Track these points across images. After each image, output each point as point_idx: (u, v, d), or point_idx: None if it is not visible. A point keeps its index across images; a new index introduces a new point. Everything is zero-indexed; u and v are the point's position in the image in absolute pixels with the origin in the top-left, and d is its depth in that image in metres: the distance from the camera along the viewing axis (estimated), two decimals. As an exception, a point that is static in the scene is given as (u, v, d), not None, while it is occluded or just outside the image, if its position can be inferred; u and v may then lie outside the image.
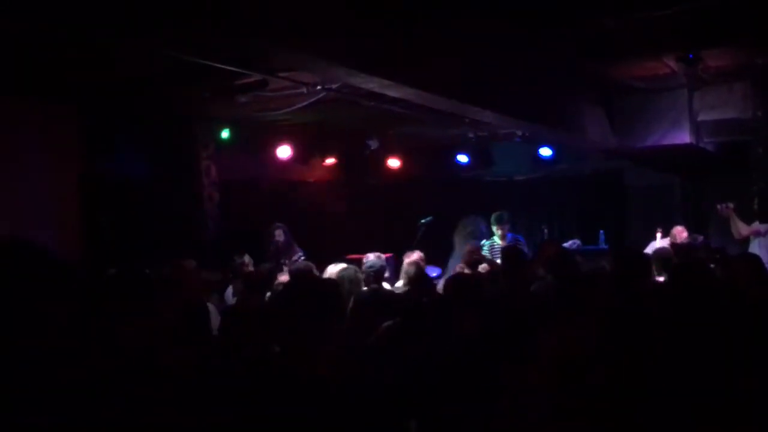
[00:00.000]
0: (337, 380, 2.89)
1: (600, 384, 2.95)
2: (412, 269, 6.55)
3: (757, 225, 8.83)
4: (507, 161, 12.62)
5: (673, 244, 8.05)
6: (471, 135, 11.10)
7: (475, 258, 7.42)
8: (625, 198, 12.68)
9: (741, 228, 8.84)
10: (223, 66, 6.30)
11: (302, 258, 8.81)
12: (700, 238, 8.21)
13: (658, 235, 9.32)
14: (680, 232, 8.90)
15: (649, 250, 8.17)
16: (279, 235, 9.43)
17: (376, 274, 6.14)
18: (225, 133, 9.45)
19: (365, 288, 5.96)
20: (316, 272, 6.71)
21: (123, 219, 8.54)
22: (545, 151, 11.41)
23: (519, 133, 10.46)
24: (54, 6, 3.91)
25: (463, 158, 12.05)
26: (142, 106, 8.06)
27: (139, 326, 3.30)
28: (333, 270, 6.52)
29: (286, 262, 8.80)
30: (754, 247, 8.52)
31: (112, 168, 8.60)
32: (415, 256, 7.29)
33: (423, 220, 9.34)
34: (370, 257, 6.33)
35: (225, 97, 7.84)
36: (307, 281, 4.73)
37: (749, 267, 5.00)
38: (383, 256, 7.44)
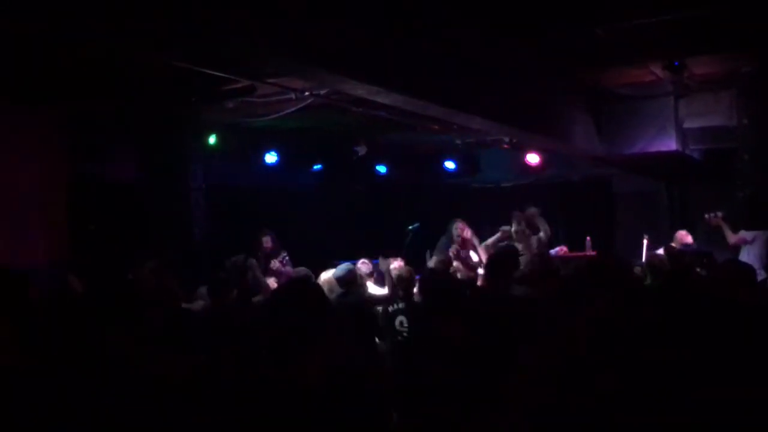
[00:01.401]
0: (325, 387, 2.87)
1: (584, 396, 2.95)
2: (397, 275, 6.58)
3: (743, 233, 8.88)
4: (494, 168, 12.64)
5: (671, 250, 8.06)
6: (458, 141, 11.11)
7: (447, 266, 7.42)
8: (613, 205, 12.72)
9: (729, 237, 8.89)
10: (211, 71, 6.29)
11: (286, 259, 8.78)
12: (693, 244, 8.25)
13: (645, 241, 9.35)
14: (684, 236, 8.94)
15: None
16: (267, 242, 9.42)
17: (339, 281, 6.21)
18: (212, 139, 9.43)
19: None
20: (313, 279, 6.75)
21: (110, 223, 8.51)
22: (532, 158, 11.44)
23: (506, 139, 10.48)
24: (42, 8, 3.89)
25: (450, 165, 12.06)
26: (130, 110, 8.03)
27: (125, 334, 3.29)
28: (326, 276, 6.57)
29: (274, 264, 8.79)
30: (743, 255, 8.56)
31: (100, 172, 8.58)
32: (397, 263, 7.30)
33: (410, 227, 9.34)
34: (341, 266, 6.47)
35: (213, 102, 7.83)
36: (298, 287, 4.72)
37: (735, 272, 5.02)
38: (367, 261, 7.49)
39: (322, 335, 2.86)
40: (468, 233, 8.90)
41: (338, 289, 6.23)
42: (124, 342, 3.38)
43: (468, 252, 8.87)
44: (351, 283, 6.35)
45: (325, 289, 5.80)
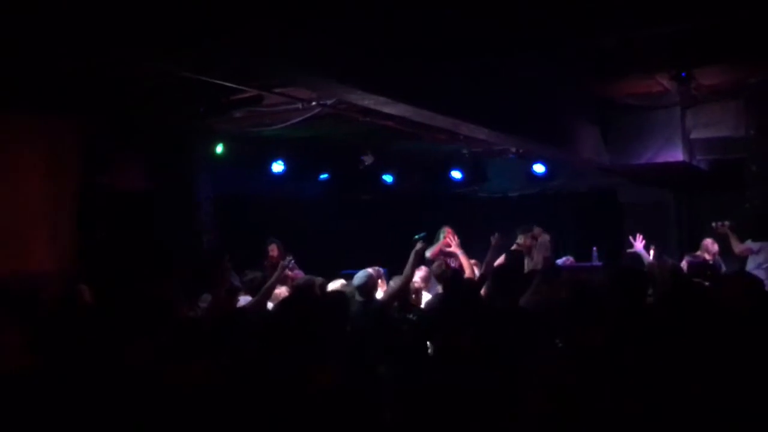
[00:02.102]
0: (336, 392, 2.89)
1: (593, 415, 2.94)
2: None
3: (749, 243, 8.87)
4: (501, 177, 12.64)
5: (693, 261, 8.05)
6: (465, 151, 11.12)
7: (443, 271, 7.40)
8: (620, 215, 12.69)
9: (735, 246, 8.88)
10: (219, 81, 6.32)
11: (292, 262, 8.76)
12: (701, 257, 8.23)
13: (652, 251, 9.33)
14: (710, 245, 8.93)
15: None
16: (273, 250, 9.43)
17: (360, 289, 6.19)
18: (219, 148, 9.46)
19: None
20: (317, 287, 6.74)
21: (119, 232, 8.54)
22: (539, 168, 11.44)
23: (513, 149, 10.49)
24: (56, 23, 3.93)
25: (457, 174, 12.06)
26: (139, 120, 8.08)
27: (142, 344, 3.30)
28: (334, 286, 6.58)
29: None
30: (750, 265, 8.55)
31: (110, 182, 8.61)
32: (422, 272, 7.33)
33: (417, 236, 9.34)
34: (359, 273, 6.42)
35: (221, 112, 7.86)
36: (307, 296, 4.76)
37: (741, 285, 5.00)
38: (378, 269, 7.46)
39: (333, 341, 2.88)
40: (449, 242, 8.86)
41: (359, 297, 6.21)
42: (139, 351, 3.39)
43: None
44: (372, 290, 6.34)
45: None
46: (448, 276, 6.69)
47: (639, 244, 8.49)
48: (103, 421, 2.72)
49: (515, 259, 8.15)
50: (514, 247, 8.81)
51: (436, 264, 7.68)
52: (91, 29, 4.02)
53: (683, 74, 7.89)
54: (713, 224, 9.07)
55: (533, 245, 8.77)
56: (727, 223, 8.89)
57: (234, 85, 6.70)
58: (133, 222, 8.80)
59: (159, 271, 7.27)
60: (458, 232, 9.63)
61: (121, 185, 8.81)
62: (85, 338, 3.54)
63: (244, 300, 6.69)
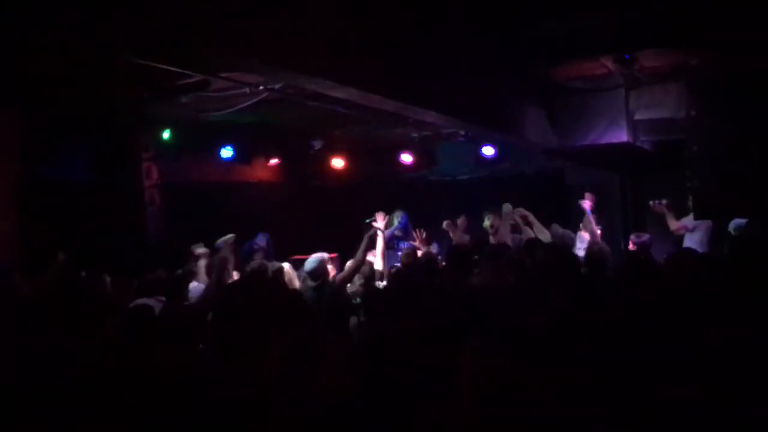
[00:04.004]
0: (286, 383, 2.88)
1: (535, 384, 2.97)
2: (367, 269, 6.66)
3: (684, 221, 9.09)
4: (451, 161, 12.70)
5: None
6: (414, 135, 11.15)
7: (411, 260, 7.44)
8: (566, 196, 12.88)
9: (671, 224, 9.10)
10: (163, 66, 6.23)
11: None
12: (645, 236, 8.38)
13: (598, 232, 9.49)
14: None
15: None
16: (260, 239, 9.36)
17: (312, 274, 6.20)
18: (166, 134, 9.33)
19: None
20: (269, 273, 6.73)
21: (62, 223, 8.37)
22: (488, 151, 11.53)
23: (462, 132, 10.56)
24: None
25: (407, 158, 12.09)
26: (81, 107, 7.91)
27: (88, 339, 3.26)
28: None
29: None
30: (686, 242, 8.77)
31: (52, 171, 8.43)
32: (370, 257, 7.37)
33: (368, 220, 9.39)
34: (310, 258, 6.43)
35: (166, 97, 7.74)
36: (257, 283, 4.71)
37: (682, 263, 5.12)
38: (326, 255, 7.48)
39: (276, 330, 2.87)
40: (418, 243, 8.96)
41: (311, 282, 6.21)
42: (83, 346, 3.35)
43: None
44: (323, 274, 6.35)
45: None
46: (421, 263, 6.71)
47: (587, 203, 8.71)
48: (37, 417, 2.68)
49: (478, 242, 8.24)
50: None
51: (404, 252, 7.73)
52: (28, 12, 3.93)
53: (626, 56, 8.04)
54: (651, 203, 9.28)
55: (500, 225, 8.87)
56: (664, 201, 9.10)
57: (179, 70, 6.61)
58: (77, 213, 8.62)
59: (102, 263, 7.15)
60: (409, 215, 9.71)
61: (63, 176, 8.62)
62: (17, 332, 3.48)
63: (195, 287, 6.65)
